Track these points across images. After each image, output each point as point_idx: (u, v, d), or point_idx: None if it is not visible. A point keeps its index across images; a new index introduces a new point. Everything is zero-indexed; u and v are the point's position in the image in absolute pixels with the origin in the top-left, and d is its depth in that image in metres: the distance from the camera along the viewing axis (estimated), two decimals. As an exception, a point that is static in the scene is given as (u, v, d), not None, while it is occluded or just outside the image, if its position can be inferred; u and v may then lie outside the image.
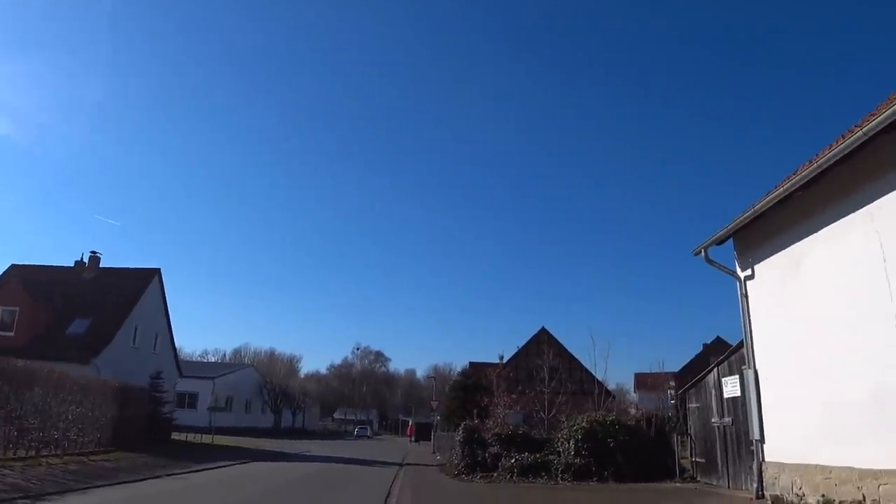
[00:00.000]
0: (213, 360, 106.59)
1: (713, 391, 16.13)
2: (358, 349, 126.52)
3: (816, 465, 10.67)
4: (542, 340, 55.28)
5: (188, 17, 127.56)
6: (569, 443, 19.12)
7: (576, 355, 44.86)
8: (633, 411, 33.32)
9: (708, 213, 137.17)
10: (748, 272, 13.69)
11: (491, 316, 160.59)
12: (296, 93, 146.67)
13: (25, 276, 38.29)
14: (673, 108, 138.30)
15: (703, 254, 14.16)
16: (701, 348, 75.78)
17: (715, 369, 16.09)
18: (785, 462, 11.87)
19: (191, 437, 38.19)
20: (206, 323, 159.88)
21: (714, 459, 15.99)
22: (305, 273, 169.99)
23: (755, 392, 13.12)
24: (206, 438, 38.84)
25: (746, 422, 13.70)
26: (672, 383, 66.41)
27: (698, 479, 17.01)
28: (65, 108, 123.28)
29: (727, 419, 15.24)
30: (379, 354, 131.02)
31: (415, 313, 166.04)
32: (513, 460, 19.55)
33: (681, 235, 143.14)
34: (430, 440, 54.11)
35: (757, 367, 13.23)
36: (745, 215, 12.58)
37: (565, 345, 48.69)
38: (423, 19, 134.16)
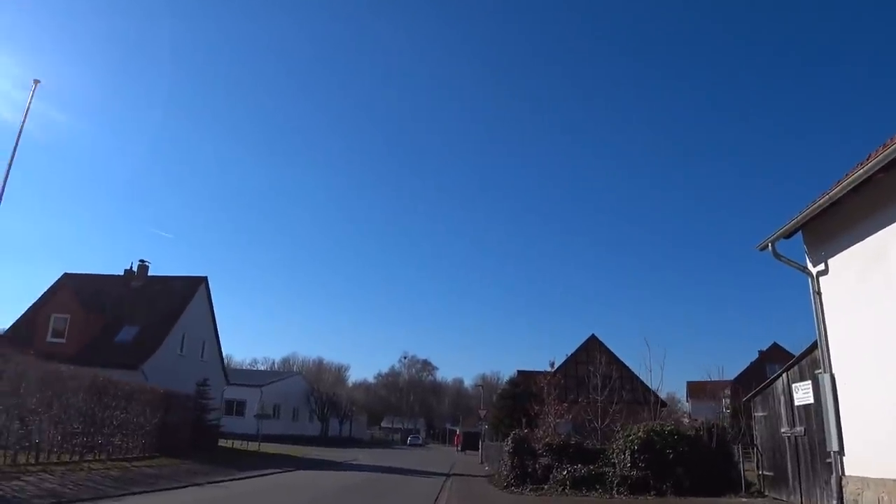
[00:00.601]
0: (262, 368, 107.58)
1: (782, 398, 14.93)
2: (405, 357, 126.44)
3: (908, 481, 9.55)
4: (593, 348, 53.97)
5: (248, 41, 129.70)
6: (624, 454, 18.04)
7: (626, 364, 43.68)
8: (686, 421, 31.89)
9: (757, 217, 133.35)
10: (821, 267, 12.51)
11: (539, 324, 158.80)
12: (348, 102, 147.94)
13: (77, 285, 38.87)
14: (720, 104, 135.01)
15: (769, 248, 13.01)
16: (756, 356, 73.40)
17: (784, 374, 14.89)
18: (869, 476, 10.69)
19: (237, 444, 38.09)
20: (256, 332, 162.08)
21: (784, 472, 14.77)
22: (353, 282, 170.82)
23: (832, 398, 11.93)
24: (253, 446, 38.68)
25: (822, 431, 12.52)
26: (727, 392, 64.24)
27: (766, 493, 15.79)
28: (124, 126, 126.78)
29: (799, 429, 14.04)
30: (426, 363, 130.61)
31: (462, 321, 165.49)
32: (565, 472, 18.51)
33: (733, 240, 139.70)
34: (477, 450, 53.18)
35: (833, 371, 12.04)
36: (818, 203, 11.44)
37: (616, 353, 47.50)
38: (457, 21, 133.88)
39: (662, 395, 31.00)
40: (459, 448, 76.84)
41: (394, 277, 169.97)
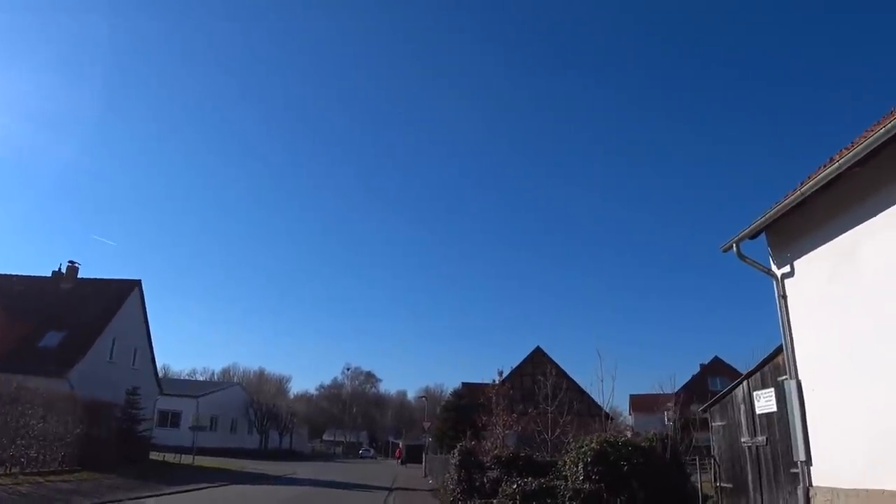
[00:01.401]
0: (201, 379, 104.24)
1: (742, 407, 14.40)
2: (348, 369, 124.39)
3: (884, 491, 8.95)
4: (538, 360, 53.68)
5: (182, 30, 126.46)
6: (577, 466, 17.12)
7: (572, 377, 43.57)
8: (628, 434, 31.46)
9: (700, 228, 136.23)
10: (786, 269, 11.98)
11: (482, 338, 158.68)
12: (284, 104, 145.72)
13: (-1, 286, 36.56)
14: (663, 108, 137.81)
15: (733, 249, 12.42)
16: (698, 369, 74.31)
17: (744, 382, 14.36)
18: (839, 487, 10.10)
19: (171, 457, 36.21)
20: (195, 343, 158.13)
21: (744, 484, 14.21)
22: (295, 292, 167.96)
23: (798, 406, 11.35)
24: (187, 459, 36.83)
25: (785, 441, 12.00)
26: (670, 404, 64.69)
27: (724, 506, 15.23)
28: (55, 123, 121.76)
29: (760, 438, 13.51)
30: (369, 375, 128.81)
31: (405, 334, 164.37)
32: (514, 486, 17.37)
33: (675, 253, 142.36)
34: (421, 463, 52.06)
35: (800, 378, 11.48)
36: (786, 201, 10.88)
37: (561, 366, 47.44)
38: (427, 28, 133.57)
39: (607, 409, 30.59)
40: (401, 461, 75.56)
41: (336, 288, 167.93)
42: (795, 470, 11.47)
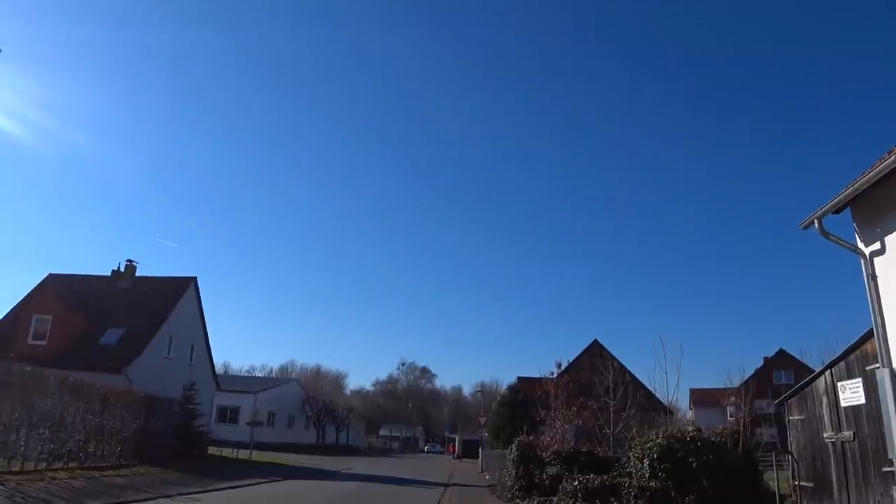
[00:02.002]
0: (259, 376, 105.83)
1: (824, 399, 13.25)
2: (403, 365, 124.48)
3: None
4: (595, 353, 52.48)
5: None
6: (642, 462, 16.19)
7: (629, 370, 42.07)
8: (690, 429, 30.00)
9: (757, 222, 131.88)
10: (875, 246, 10.79)
11: (537, 332, 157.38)
12: (348, 109, 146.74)
13: (61, 286, 37.31)
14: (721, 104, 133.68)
15: (815, 225, 11.26)
16: (762, 363, 71.42)
17: (827, 372, 13.20)
18: (944, 488, 9.06)
19: (229, 452, 36.37)
20: (254, 340, 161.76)
21: (827, 484, 13.06)
22: (352, 289, 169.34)
23: (892, 397, 10.23)
24: (245, 454, 36.97)
25: (876, 436, 10.87)
26: (733, 398, 62.31)
27: (804, 506, 14.08)
28: (119, 134, 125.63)
29: (846, 433, 12.36)
30: (425, 370, 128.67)
31: (461, 329, 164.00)
32: (576, 483, 16.48)
33: (736, 246, 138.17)
34: (477, 458, 51.39)
35: (894, 366, 10.35)
36: (876, 170, 9.77)
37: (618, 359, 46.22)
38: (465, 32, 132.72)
39: (666, 403, 29.11)
40: (455, 456, 75.05)
41: (392, 285, 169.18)
42: (889, 468, 10.36)
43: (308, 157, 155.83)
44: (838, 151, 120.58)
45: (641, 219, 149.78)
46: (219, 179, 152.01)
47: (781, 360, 69.55)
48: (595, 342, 55.22)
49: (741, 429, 17.91)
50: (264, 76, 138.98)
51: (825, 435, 13.12)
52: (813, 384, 13.77)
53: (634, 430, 18.76)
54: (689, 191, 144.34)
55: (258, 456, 37.47)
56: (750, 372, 63.74)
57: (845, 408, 12.37)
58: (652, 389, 24.25)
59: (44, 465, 17.18)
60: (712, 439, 16.44)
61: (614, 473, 17.10)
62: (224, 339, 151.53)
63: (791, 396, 14.80)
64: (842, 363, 12.63)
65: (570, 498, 16.27)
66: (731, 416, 66.34)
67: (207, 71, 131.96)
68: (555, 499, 16.67)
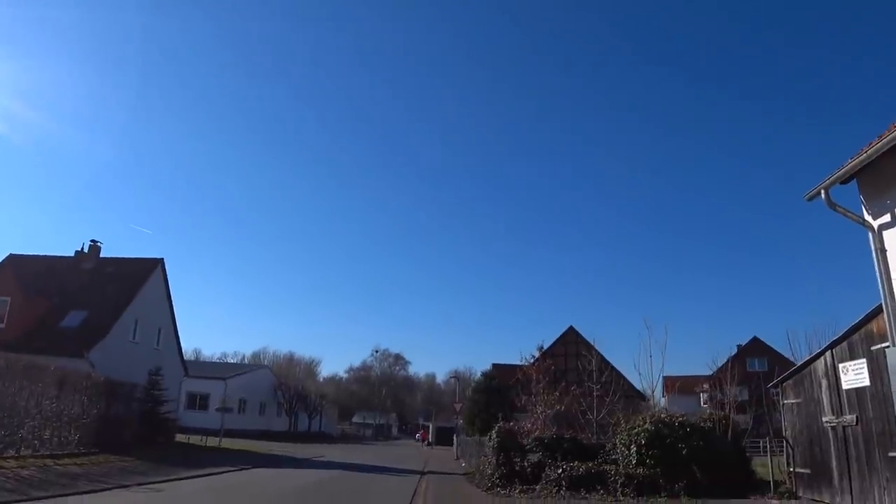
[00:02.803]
0: (232, 362, 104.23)
1: (824, 382, 12.57)
2: (377, 352, 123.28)
3: None
4: (571, 340, 51.77)
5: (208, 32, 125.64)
6: (629, 449, 15.53)
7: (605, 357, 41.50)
8: (662, 416, 29.48)
9: (735, 204, 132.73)
10: (885, 218, 10.07)
11: (511, 320, 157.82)
12: (317, 100, 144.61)
13: (20, 266, 35.66)
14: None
15: (822, 196, 10.52)
16: (735, 350, 71.58)
17: (827, 353, 12.50)
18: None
19: (198, 439, 35.23)
20: (226, 327, 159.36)
21: (826, 470, 12.40)
22: (325, 275, 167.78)
23: (902, 379, 9.56)
24: (214, 441, 35.83)
25: (882, 420, 10.23)
26: (705, 386, 62.28)
27: (800, 494, 13.42)
28: (87, 119, 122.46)
29: (848, 417, 11.70)
30: (398, 357, 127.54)
31: (434, 317, 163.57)
32: (560, 471, 15.78)
33: (713, 231, 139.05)
34: (451, 445, 50.71)
35: (905, 345, 9.66)
36: (884, 140, 9.07)
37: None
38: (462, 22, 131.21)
39: (653, 387, 28.44)
40: (426, 443, 74.50)
41: (366, 272, 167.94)
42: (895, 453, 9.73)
43: (284, 144, 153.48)
44: (825, 132, 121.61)
45: (617, 199, 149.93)
46: (191, 165, 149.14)
47: (755, 347, 69.77)
48: (570, 329, 54.26)
49: (729, 414, 17.35)
50: (237, 58, 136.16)
51: (824, 419, 12.46)
52: (811, 366, 13.10)
53: (620, 415, 18.07)
54: (666, 168, 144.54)
55: (228, 443, 36.35)
56: (722, 360, 63.97)
57: (847, 390, 11.71)
58: (637, 373, 23.52)
59: (-7, 454, 16.08)
60: (702, 424, 15.82)
61: (599, 461, 16.43)
62: (196, 325, 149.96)
63: (786, 379, 14.14)
64: (844, 343, 11.95)
65: (554, 486, 15.56)
66: (705, 403, 66.68)
67: (183, 55, 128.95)
68: (537, 487, 15.91)
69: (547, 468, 16.28)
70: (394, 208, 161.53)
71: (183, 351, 41.97)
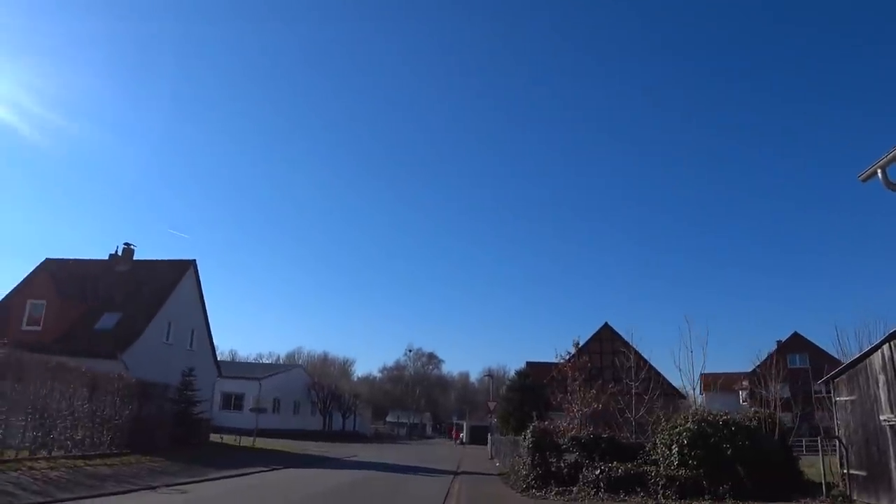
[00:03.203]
0: (267, 363, 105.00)
1: (881, 378, 11.75)
2: (410, 351, 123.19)
3: None
4: (606, 337, 50.82)
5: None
6: (671, 449, 14.82)
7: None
8: (722, 413, 28.53)
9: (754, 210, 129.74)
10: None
11: (544, 318, 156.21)
12: (345, 102, 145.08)
13: (56, 270, 36.09)
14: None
15: (878, 175, 9.82)
16: (775, 346, 69.86)
17: (885, 346, 11.66)
18: None
19: (231, 439, 35.22)
20: (262, 328, 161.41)
21: (884, 472, 11.57)
22: (359, 276, 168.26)
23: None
24: (248, 441, 35.78)
25: (950, 419, 9.43)
26: (745, 382, 60.69)
27: (854, 497, 12.59)
28: (126, 127, 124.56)
29: (910, 416, 10.92)
30: (432, 356, 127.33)
31: (468, 315, 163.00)
32: (598, 472, 15.13)
33: (745, 230, 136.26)
34: (485, 444, 50.15)
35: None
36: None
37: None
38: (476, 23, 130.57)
39: (693, 383, 27.46)
40: (459, 442, 74.19)
41: (398, 271, 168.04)
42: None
43: (314, 149, 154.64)
44: (862, 121, 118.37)
45: (652, 195, 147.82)
46: (225, 171, 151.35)
47: (796, 343, 68.01)
48: (605, 326, 53.31)
49: (774, 412, 16.55)
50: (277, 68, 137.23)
51: (882, 417, 11.64)
52: (867, 360, 12.27)
53: (660, 414, 17.33)
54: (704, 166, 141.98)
55: (262, 443, 36.27)
56: (762, 356, 62.31)
57: (908, 386, 10.93)
58: (677, 369, 22.66)
59: (26, 453, 16.01)
60: (746, 423, 15.06)
61: (639, 461, 15.74)
62: (232, 327, 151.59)
63: (839, 374, 13.32)
64: (905, 334, 11.13)
65: (592, 488, 14.93)
66: (744, 401, 65.09)
67: (211, 63, 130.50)
68: (574, 489, 15.30)
69: (584, 469, 15.65)
70: (427, 205, 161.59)
71: (218, 352, 42.19)
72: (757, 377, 24.24)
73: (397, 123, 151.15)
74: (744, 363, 60.62)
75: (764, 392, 20.95)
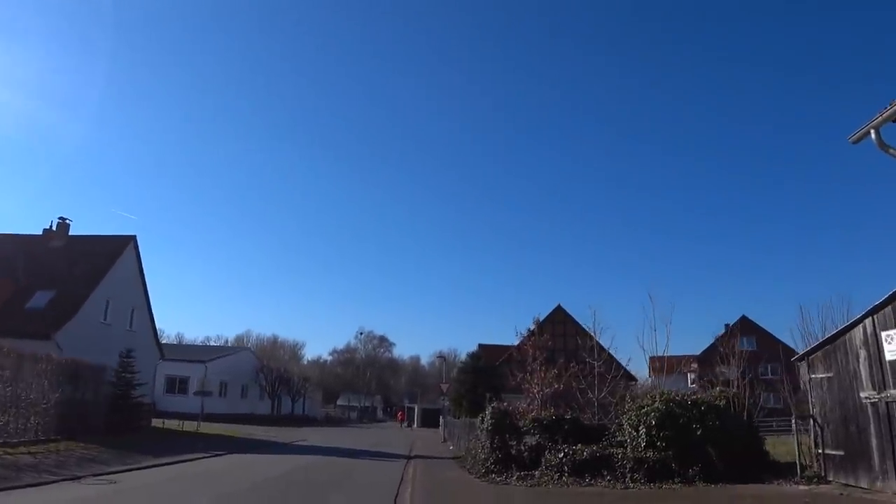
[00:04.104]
0: (215, 346, 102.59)
1: (862, 353, 11.19)
2: (361, 333, 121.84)
3: None
4: (559, 319, 50.56)
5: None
6: (638, 430, 14.11)
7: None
8: (690, 392, 28.12)
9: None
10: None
11: (495, 301, 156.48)
12: (300, 85, 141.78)
13: (-17, 246, 33.85)
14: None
15: (871, 136, 9.17)
16: (723, 329, 70.85)
17: (867, 320, 11.09)
18: None
19: (174, 424, 33.68)
20: (210, 311, 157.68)
21: (863, 451, 11.02)
22: (309, 259, 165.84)
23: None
24: (192, 426, 34.26)
25: (936, 395, 8.86)
26: (694, 365, 61.27)
27: (830, 478, 12.07)
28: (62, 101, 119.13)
29: (893, 392, 10.36)
30: (383, 339, 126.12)
31: (418, 298, 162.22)
32: (561, 454, 14.31)
33: (691, 208, 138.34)
34: (437, 427, 49.53)
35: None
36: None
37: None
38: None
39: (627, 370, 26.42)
40: (405, 424, 73.97)
41: (350, 253, 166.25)
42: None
43: (266, 123, 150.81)
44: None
45: (594, 183, 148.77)
46: (172, 145, 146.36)
47: (744, 326, 69.02)
48: (558, 308, 53.08)
49: (741, 392, 16.04)
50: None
51: (863, 395, 11.10)
52: (845, 336, 11.69)
53: (626, 393, 16.66)
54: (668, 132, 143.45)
55: (207, 428, 34.78)
56: (710, 340, 62.96)
57: (892, 361, 10.37)
58: (641, 349, 21.93)
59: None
60: (717, 402, 14.46)
61: (604, 443, 15.02)
62: (179, 310, 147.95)
63: (814, 351, 12.76)
64: (888, 308, 10.56)
65: (555, 472, 14.11)
66: (692, 384, 65.80)
67: (158, 31, 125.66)
68: (536, 473, 14.44)
69: (547, 452, 14.82)
70: (376, 193, 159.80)
71: (165, 336, 40.54)
72: (717, 357, 23.84)
73: (354, 97, 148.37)
74: (689, 347, 61.16)
75: (725, 371, 20.60)
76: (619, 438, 15.01)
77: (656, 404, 14.09)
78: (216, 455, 20.14)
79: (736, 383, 17.55)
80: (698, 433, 13.43)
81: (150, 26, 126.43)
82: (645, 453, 13.71)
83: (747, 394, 15.70)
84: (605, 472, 13.67)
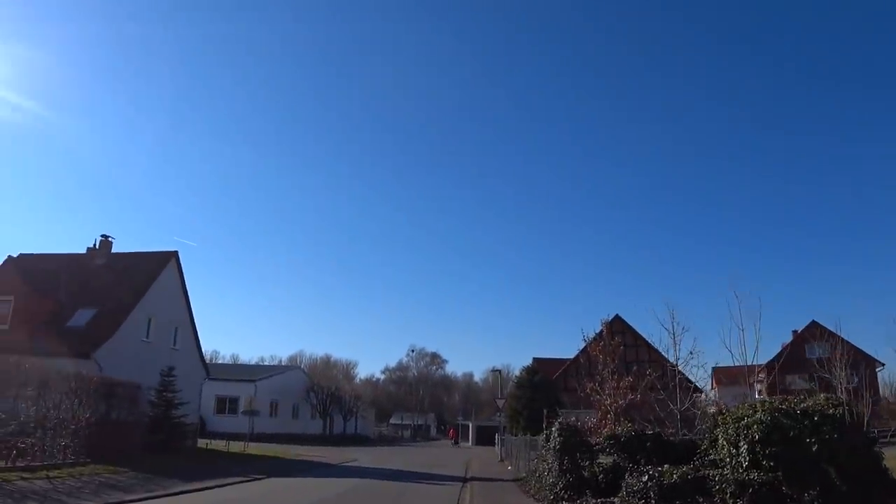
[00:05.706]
0: (265, 365, 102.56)
1: None
2: (413, 351, 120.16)
3: None
4: (618, 330, 47.85)
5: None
6: (737, 447, 11.78)
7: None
8: (712, 411, 25.55)
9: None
10: None
11: (549, 315, 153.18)
12: (332, 98, 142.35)
13: (26, 265, 33.36)
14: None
15: None
16: (790, 336, 66.81)
17: None
18: None
19: (221, 444, 32.52)
20: (264, 332, 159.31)
21: None
22: (360, 278, 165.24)
23: None
24: (238, 446, 33.06)
25: None
26: (761, 376, 57.55)
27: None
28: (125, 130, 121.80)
29: None
30: (435, 356, 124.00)
31: (471, 314, 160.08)
32: (645, 478, 12.04)
33: (757, 222, 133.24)
34: (493, 445, 47.34)
35: None
36: None
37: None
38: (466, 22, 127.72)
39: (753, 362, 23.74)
40: (454, 442, 72.12)
41: (400, 272, 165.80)
42: None
43: (315, 148, 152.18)
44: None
45: (654, 202, 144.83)
46: (226, 174, 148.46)
47: (814, 332, 64.78)
48: (616, 318, 50.51)
49: (854, 400, 13.59)
50: (269, 64, 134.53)
51: None
52: None
53: (723, 405, 14.27)
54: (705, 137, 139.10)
55: (255, 448, 33.56)
56: (777, 348, 59.23)
57: None
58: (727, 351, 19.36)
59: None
60: (832, 412, 12.03)
61: (696, 463, 12.74)
62: (234, 332, 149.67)
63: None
64: None
65: (639, 498, 11.82)
66: (760, 394, 62.01)
67: (215, 59, 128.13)
68: (616, 500, 12.22)
69: (627, 475, 12.57)
70: (431, 205, 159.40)
71: (219, 357, 39.73)
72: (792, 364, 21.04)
73: (404, 116, 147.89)
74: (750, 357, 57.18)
75: (827, 377, 18.06)
76: (713, 457, 12.69)
77: (759, 415, 11.72)
78: (255, 479, 18.49)
79: (844, 390, 15.13)
80: (814, 450, 11.06)
81: (208, 52, 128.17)
82: (748, 474, 11.36)
83: (863, 401, 13.23)
84: (701, 499, 11.38)
